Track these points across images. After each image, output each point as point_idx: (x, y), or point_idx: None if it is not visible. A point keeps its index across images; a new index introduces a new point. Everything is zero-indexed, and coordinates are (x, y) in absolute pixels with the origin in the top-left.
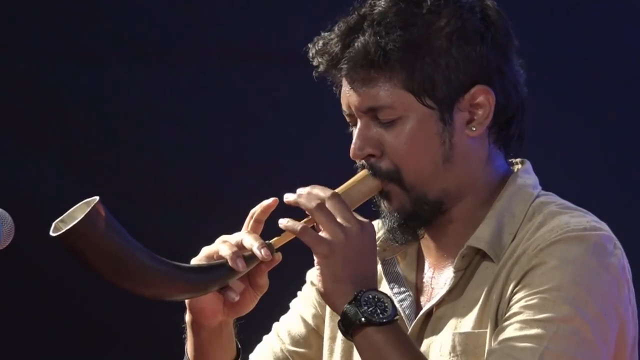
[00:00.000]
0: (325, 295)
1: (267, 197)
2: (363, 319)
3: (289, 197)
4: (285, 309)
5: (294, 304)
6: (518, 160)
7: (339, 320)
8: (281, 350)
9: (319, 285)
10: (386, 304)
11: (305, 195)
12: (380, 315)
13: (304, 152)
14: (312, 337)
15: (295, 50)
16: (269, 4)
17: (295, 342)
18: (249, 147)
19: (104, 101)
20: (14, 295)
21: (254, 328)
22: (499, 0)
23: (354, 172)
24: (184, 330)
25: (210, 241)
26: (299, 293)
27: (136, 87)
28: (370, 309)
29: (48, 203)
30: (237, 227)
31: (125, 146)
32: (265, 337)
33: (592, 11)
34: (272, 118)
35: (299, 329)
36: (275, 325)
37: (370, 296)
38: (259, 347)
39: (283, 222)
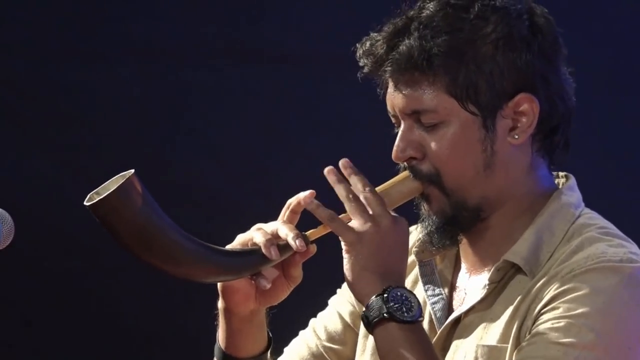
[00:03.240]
0: (350, 284)
1: (268, 198)
2: (386, 314)
3: (330, 174)
4: (324, 305)
5: (332, 300)
6: (562, 174)
7: (363, 312)
8: (316, 345)
9: (345, 273)
10: (412, 304)
11: (342, 181)
12: (405, 314)
13: (305, 152)
14: (347, 334)
15: (295, 51)
16: (270, 4)
17: (331, 338)
18: (250, 147)
19: (105, 101)
20: (14, 295)
21: (290, 322)
22: None
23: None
24: (216, 317)
25: (211, 242)
26: (338, 290)
27: (137, 86)
28: (397, 305)
29: (48, 202)
30: (239, 227)
31: (125, 146)
32: (301, 332)
33: (593, 11)
34: (273, 118)
35: (335, 325)
36: (312, 320)
37: (399, 293)
38: (294, 341)
39: (311, 205)
